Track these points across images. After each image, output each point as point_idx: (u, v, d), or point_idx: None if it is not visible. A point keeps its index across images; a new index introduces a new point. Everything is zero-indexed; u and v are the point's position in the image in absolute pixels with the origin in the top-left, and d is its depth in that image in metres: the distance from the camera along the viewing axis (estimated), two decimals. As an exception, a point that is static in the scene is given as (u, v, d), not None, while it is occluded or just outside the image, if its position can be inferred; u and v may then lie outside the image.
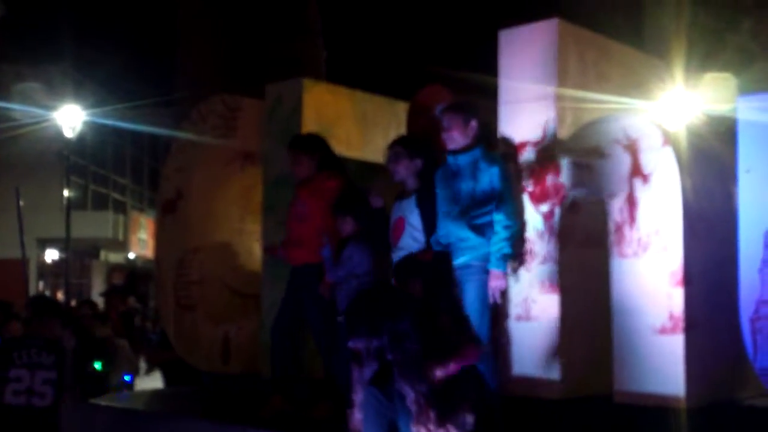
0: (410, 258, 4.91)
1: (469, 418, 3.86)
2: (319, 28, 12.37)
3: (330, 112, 6.40)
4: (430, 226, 4.98)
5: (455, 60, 12.66)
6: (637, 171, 4.56)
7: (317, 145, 5.61)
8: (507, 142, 5.09)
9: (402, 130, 6.15)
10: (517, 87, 5.07)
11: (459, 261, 4.79)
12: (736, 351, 4.23)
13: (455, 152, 4.87)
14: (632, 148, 4.59)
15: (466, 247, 4.75)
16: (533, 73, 5.04)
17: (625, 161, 4.60)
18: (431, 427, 3.79)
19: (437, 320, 4.03)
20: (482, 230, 4.73)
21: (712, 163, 4.73)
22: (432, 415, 3.78)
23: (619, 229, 4.57)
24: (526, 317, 4.85)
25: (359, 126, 6.58)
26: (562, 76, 4.99)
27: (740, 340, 4.17)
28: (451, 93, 5.75)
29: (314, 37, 12.18)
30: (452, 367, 3.89)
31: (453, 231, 4.80)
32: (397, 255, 5.07)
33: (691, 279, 4.36)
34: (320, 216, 5.38)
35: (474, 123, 4.88)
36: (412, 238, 5.04)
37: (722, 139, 4.76)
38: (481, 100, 5.39)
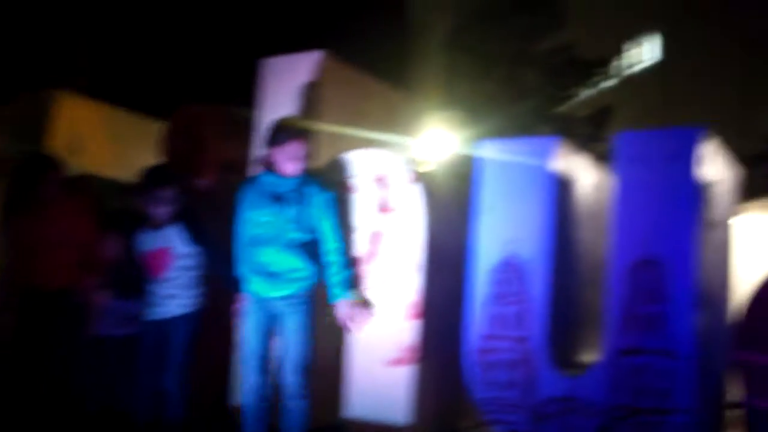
0: None
1: None
2: (85, 43, 11.97)
3: (83, 127, 6.23)
4: (208, 253, 4.80)
5: (216, 87, 12.62)
6: (384, 206, 4.72)
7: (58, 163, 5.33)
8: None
9: (155, 149, 5.98)
10: (275, 118, 5.08)
11: (285, 292, 4.38)
12: (460, 382, 4.45)
13: (276, 175, 4.45)
14: (382, 183, 4.75)
15: (297, 278, 4.39)
16: (292, 104, 5.07)
17: (373, 196, 4.75)
18: None
19: None
20: (314, 259, 4.42)
21: (455, 201, 4.97)
22: None
23: (363, 262, 4.70)
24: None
25: (112, 143, 6.42)
26: (321, 109, 5.06)
27: (464, 371, 4.40)
28: (214, 116, 5.70)
29: (78, 50, 11.77)
30: None
31: (281, 260, 4.38)
32: (161, 287, 4.80)
33: (425, 312, 4.57)
34: (84, 235, 5.14)
35: None
36: (183, 268, 4.82)
37: (466, 179, 5.03)
38: (241, 129, 5.35)
